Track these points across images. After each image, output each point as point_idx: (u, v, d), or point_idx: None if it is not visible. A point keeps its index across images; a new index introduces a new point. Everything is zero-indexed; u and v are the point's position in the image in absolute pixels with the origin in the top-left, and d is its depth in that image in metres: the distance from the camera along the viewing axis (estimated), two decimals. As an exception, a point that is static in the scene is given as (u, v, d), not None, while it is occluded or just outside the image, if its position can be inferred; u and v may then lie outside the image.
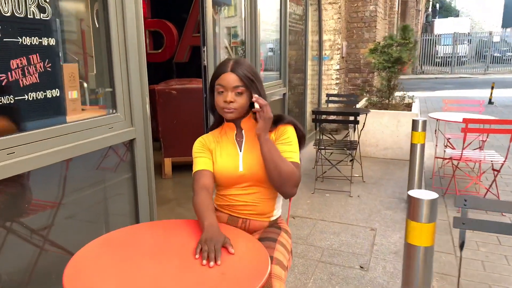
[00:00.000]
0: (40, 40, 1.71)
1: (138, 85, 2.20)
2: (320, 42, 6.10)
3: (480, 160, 3.52)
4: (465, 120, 3.26)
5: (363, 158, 4.95)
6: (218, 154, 1.63)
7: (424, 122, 3.38)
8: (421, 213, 1.64)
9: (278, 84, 4.73)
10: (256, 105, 1.47)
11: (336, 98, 5.59)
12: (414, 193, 1.68)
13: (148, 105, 2.32)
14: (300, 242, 2.91)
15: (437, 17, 35.86)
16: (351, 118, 4.09)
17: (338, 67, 6.30)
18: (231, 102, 1.53)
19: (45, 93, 1.75)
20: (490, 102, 10.08)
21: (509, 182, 4.19)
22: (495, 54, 23.70)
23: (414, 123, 3.40)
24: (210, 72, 3.13)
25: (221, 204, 1.67)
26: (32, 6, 1.66)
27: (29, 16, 1.65)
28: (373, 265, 2.59)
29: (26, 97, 1.66)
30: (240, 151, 1.61)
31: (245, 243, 1.37)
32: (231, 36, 4.12)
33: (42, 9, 1.70)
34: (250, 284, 1.10)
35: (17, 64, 1.62)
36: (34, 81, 1.70)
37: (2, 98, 1.56)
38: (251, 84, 1.54)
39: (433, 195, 1.65)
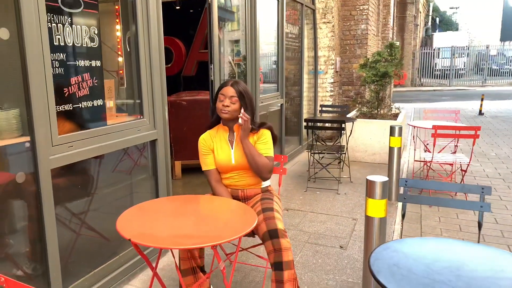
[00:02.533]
0: (90, 62, 2.29)
1: (159, 96, 2.77)
2: (315, 58, 6.69)
3: (449, 162, 4.05)
4: (434, 127, 3.80)
5: (354, 163, 5.49)
6: (216, 151, 2.27)
7: (400, 128, 3.92)
8: (376, 192, 2.18)
9: (276, 96, 5.31)
10: (240, 120, 2.14)
11: (329, 109, 6.15)
12: (371, 177, 2.23)
13: (167, 112, 2.89)
14: (291, 228, 3.44)
15: (437, 31, 36.54)
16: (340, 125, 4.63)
17: (332, 80, 6.87)
18: (227, 106, 2.19)
19: (92, 102, 2.32)
20: (480, 113, 10.60)
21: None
22: (493, 67, 24.25)
23: (392, 129, 3.95)
24: (216, 85, 3.70)
25: (225, 183, 2.28)
26: (86, 37, 2.24)
27: (84, 45, 2.23)
28: (351, 245, 3.11)
29: (80, 105, 2.24)
30: (232, 149, 2.26)
31: (241, 209, 1.92)
32: (234, 54, 4.71)
33: (92, 39, 2.28)
34: (243, 228, 1.65)
35: (75, 81, 2.20)
36: (85, 93, 2.27)
37: (64, 105, 2.13)
38: (242, 97, 2.21)
39: (384, 178, 2.19)
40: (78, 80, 2.21)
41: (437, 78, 23.85)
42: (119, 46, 2.69)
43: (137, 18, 2.58)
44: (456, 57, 23.54)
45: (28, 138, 1.92)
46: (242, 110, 2.17)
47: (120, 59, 2.73)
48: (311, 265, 2.81)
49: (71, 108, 2.17)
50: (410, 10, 22.36)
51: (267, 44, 5.22)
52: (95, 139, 2.29)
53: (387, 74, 5.78)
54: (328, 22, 6.59)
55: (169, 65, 7.60)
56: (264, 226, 1.98)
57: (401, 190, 2.33)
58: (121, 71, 2.76)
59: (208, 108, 3.84)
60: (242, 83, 2.28)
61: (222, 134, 2.30)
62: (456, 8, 44.73)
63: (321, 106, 6.08)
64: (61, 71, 2.10)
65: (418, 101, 15.62)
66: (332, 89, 6.89)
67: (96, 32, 2.29)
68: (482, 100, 10.64)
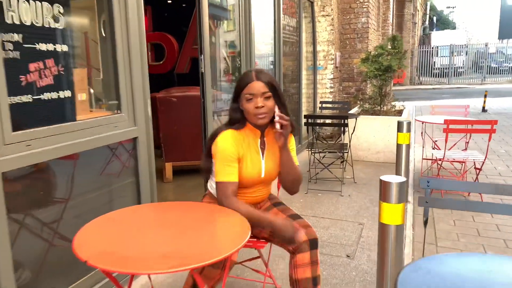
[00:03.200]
0: (55, 46, 1.95)
1: (140, 89, 2.43)
2: (314, 53, 6.36)
3: (462, 160, 3.73)
4: (446, 121, 3.48)
5: (356, 162, 5.16)
6: (245, 161, 1.78)
7: (409, 123, 3.58)
8: (391, 195, 1.84)
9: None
10: (277, 125, 1.69)
11: (329, 105, 5.83)
12: (385, 177, 1.89)
13: (149, 107, 2.55)
14: (292, 235, 3.09)
15: (434, 29, 36.36)
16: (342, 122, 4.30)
17: (332, 76, 6.55)
18: (262, 106, 1.70)
19: (58, 94, 1.98)
20: (483, 110, 10.31)
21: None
22: (492, 65, 24.03)
23: (399, 124, 3.60)
24: (207, 79, 3.37)
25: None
26: (48, 17, 1.90)
27: (46, 25, 1.89)
28: (359, 254, 2.78)
29: (42, 96, 1.89)
30: (263, 159, 1.83)
31: (230, 216, 1.58)
32: (228, 47, 4.38)
33: (56, 19, 1.94)
34: (233, 244, 1.31)
35: (35, 67, 1.86)
36: (49, 83, 1.93)
37: (22, 97, 1.79)
38: (275, 91, 1.74)
39: (402, 179, 1.86)
40: (39, 67, 1.87)
41: (436, 76, 23.62)
42: (92, 30, 2.35)
43: (112, -3, 2.24)
44: (455, 56, 23.32)
45: (-29, 135, 1.59)
46: (277, 110, 1.72)
47: (90, 44, 2.38)
48: (315, 278, 2.48)
49: (30, 100, 1.83)
50: (408, 8, 22.12)
51: (263, 37, 4.89)
52: (61, 137, 1.95)
53: (391, 67, 5.45)
54: (327, 15, 6.26)
55: (162, 62, 7.28)
56: (303, 235, 1.76)
57: (409, 191, 1.99)
58: (96, 60, 2.42)
59: (199, 104, 3.50)
60: (266, 71, 1.80)
61: (253, 140, 1.82)
62: (453, 7, 44.67)
63: (321, 102, 5.75)
64: (16, 55, 1.76)
65: (418, 99, 15.31)
66: (332, 85, 6.56)
67: (61, 11, 1.96)
68: (485, 96, 10.35)
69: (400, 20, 21.91)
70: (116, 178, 2.51)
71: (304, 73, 6.19)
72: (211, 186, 1.92)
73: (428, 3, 33.95)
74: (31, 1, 1.80)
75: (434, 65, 24.02)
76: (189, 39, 6.95)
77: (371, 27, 7.04)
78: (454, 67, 23.26)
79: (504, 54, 25.08)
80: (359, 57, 6.59)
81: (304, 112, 6.23)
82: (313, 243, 1.78)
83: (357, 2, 6.66)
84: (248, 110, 1.73)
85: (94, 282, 2.17)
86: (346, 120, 3.95)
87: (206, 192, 2.01)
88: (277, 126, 1.69)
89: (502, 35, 31.03)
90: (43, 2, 1.86)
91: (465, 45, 25.64)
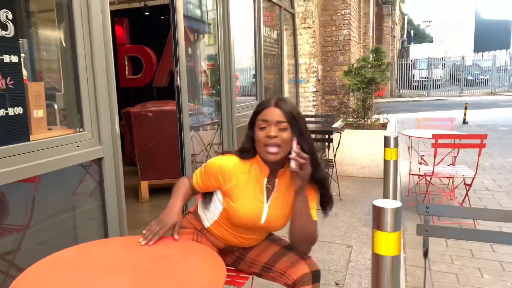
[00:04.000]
0: (1, 57, 1.70)
1: (106, 103, 2.19)
2: (296, 66, 6.23)
3: (452, 175, 3.59)
4: (435, 136, 3.34)
5: (342, 177, 4.98)
6: (239, 194, 1.52)
7: (396, 138, 3.43)
8: (386, 222, 1.65)
9: (254, 105, 4.78)
10: (292, 163, 1.39)
11: (312, 119, 5.67)
12: (379, 202, 1.69)
13: (118, 125, 2.31)
14: (275, 261, 2.87)
15: (412, 43, 37.18)
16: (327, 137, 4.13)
17: (314, 89, 6.41)
18: (275, 137, 1.43)
19: (7, 111, 1.73)
20: (464, 122, 10.36)
21: (482, 196, 4.27)
22: (469, 77, 24.60)
23: (386, 139, 3.45)
24: (184, 92, 3.16)
25: (220, 237, 1.66)
26: (-6, 23, 1.66)
27: (-9, 33, 1.64)
28: (348, 281, 2.57)
29: (-13, 114, 1.64)
30: (267, 202, 1.54)
31: (203, 255, 1.35)
32: (207, 59, 4.18)
33: (4, 27, 1.70)
34: (207, 293, 1.08)
35: (-23, 81, 1.61)
36: (-5, 98, 1.68)
37: (-40, 114, 1.53)
38: (295, 122, 1.45)
39: (397, 203, 1.66)
40: (-18, 81, 1.63)
41: (415, 89, 24.03)
42: (50, 39, 2.11)
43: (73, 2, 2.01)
44: (433, 68, 23.78)
45: None
46: (295, 145, 1.41)
47: (55, 56, 2.14)
48: (301, 311, 2.25)
49: (-30, 118, 1.58)
50: (387, 22, 22.52)
51: (244, 50, 4.72)
52: (12, 160, 1.69)
53: (374, 80, 5.35)
54: (308, 27, 6.16)
55: (139, 75, 7.04)
56: (305, 267, 1.56)
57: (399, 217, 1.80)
58: (55, 72, 2.17)
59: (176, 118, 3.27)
60: (289, 100, 1.54)
61: (258, 175, 1.53)
62: (429, 21, 45.90)
63: (304, 116, 5.59)
64: (-47, 67, 1.52)
65: (400, 111, 15.41)
66: (314, 98, 6.42)
67: (10, 17, 1.72)
68: (466, 108, 10.42)
69: (379, 34, 22.25)
70: (79, 203, 2.25)
71: (286, 86, 6.04)
72: (203, 211, 1.71)
73: (406, 17, 34.75)
74: (-28, 5, 1.57)
75: (413, 78, 24.44)
76: (167, 52, 6.74)
77: (353, 39, 6.97)
78: (433, 80, 23.70)
79: (479, 66, 25.73)
80: (341, 69, 6.50)
81: (286, 126, 6.06)
82: (315, 276, 1.57)
83: (339, 14, 6.59)
84: (258, 139, 1.47)
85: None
86: (330, 135, 3.77)
87: (191, 210, 1.78)
88: (292, 164, 1.39)
89: (477, 48, 31.92)
90: (-12, 7, 1.62)
91: (442, 58, 26.19)
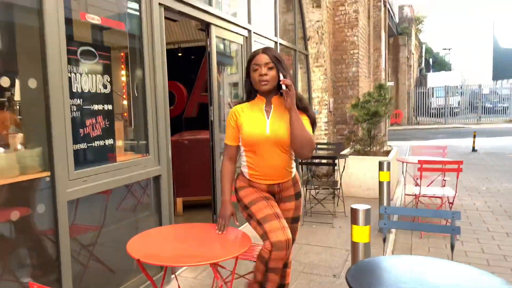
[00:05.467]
0: (103, 106, 2.58)
1: (164, 135, 3.05)
2: (309, 99, 7.05)
3: (438, 196, 4.27)
4: (420, 162, 4.06)
5: (349, 198, 5.68)
6: (245, 121, 2.10)
7: (388, 163, 4.18)
8: (359, 219, 2.40)
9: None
10: (283, 87, 1.94)
11: (324, 146, 6.44)
12: (355, 206, 2.45)
13: (170, 150, 3.16)
14: (287, 260, 3.60)
15: (431, 71, 37.72)
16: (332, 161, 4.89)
17: (326, 120, 7.21)
18: (265, 75, 2.02)
19: (104, 142, 2.60)
20: (473, 150, 10.87)
21: (470, 215, 4.89)
22: (487, 105, 24.81)
23: (380, 164, 4.20)
24: (216, 125, 3.99)
25: (256, 175, 2.17)
26: (100, 84, 2.55)
27: (98, 91, 2.53)
28: (343, 274, 3.27)
29: (93, 144, 2.50)
30: (268, 119, 2.09)
31: (236, 234, 2.15)
32: (232, 96, 5.05)
33: (105, 86, 2.59)
34: (239, 250, 1.87)
35: (89, 123, 2.48)
36: (98, 134, 2.55)
37: (80, 144, 2.40)
38: (278, 62, 2.04)
39: (367, 206, 2.42)
40: (92, 122, 2.50)
41: (433, 116, 24.31)
42: (126, 91, 3.00)
43: (144, 64, 2.90)
44: (450, 96, 24.15)
45: (48, 173, 2.17)
46: (281, 76, 2.00)
47: (126, 102, 3.03)
48: (305, 292, 2.97)
49: (85, 147, 2.44)
50: (402, 52, 23.29)
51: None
52: (106, 175, 2.54)
53: (378, 113, 6.10)
54: (320, 66, 7.02)
55: (172, 107, 7.96)
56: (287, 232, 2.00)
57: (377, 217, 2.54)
58: (125, 114, 3.06)
59: (208, 146, 4.10)
60: (273, 49, 2.15)
61: (258, 105, 2.14)
62: (449, 49, 46.43)
63: (316, 144, 6.37)
64: (78, 114, 2.39)
65: (414, 139, 15.91)
66: (326, 128, 7.20)
67: (108, 80, 2.61)
68: (474, 137, 10.95)
69: (395, 64, 23.04)
70: (144, 208, 3.08)
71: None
72: (241, 167, 2.26)
73: (423, 46, 35.45)
74: (89, 75, 2.46)
75: (430, 105, 24.82)
76: (197, 87, 7.68)
77: (362, 75, 7.78)
78: (450, 107, 24.00)
79: (498, 94, 25.94)
80: (350, 102, 7.28)
81: (301, 152, 6.83)
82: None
83: (348, 53, 7.44)
84: (253, 79, 2.07)
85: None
86: (335, 160, 4.53)
87: (239, 173, 2.31)
88: (283, 87, 1.95)
89: (495, 76, 32.22)
90: (97, 75, 2.51)
91: (460, 86, 26.56)
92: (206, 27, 3.86)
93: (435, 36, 42.82)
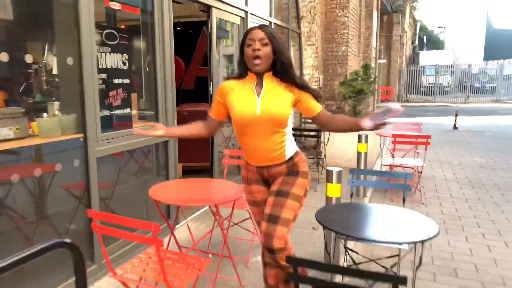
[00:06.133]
0: (122, 80, 3.06)
1: (171, 105, 3.55)
2: (301, 76, 7.54)
3: (407, 165, 4.86)
4: (394, 135, 4.61)
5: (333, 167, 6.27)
6: (235, 99, 1.95)
7: (366, 136, 4.73)
8: (332, 178, 2.96)
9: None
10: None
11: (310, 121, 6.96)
12: (330, 168, 3.01)
13: (176, 118, 3.66)
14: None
15: (424, 49, 37.96)
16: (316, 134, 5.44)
17: (316, 95, 7.71)
18: (258, 49, 1.86)
19: (123, 110, 3.09)
20: (455, 127, 11.49)
21: (438, 184, 5.51)
22: (476, 85, 25.30)
23: (359, 136, 4.75)
24: (214, 99, 4.48)
25: (247, 156, 2.11)
26: (120, 62, 3.02)
27: (118, 67, 3.01)
28: (321, 227, 3.87)
29: (116, 111, 3.00)
30: (258, 98, 1.94)
31: (230, 184, 2.70)
32: (229, 70, 5.51)
33: (124, 63, 3.06)
34: (236, 196, 2.42)
35: (112, 94, 2.97)
36: (119, 103, 3.04)
37: (105, 111, 2.89)
38: (274, 39, 1.90)
39: (338, 169, 2.97)
40: (114, 94, 2.99)
41: (423, 94, 24.70)
42: (140, 67, 3.47)
43: (155, 43, 3.37)
44: (441, 75, 24.56)
45: (82, 135, 2.68)
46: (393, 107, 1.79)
47: (140, 77, 3.51)
48: (288, 240, 3.57)
49: (109, 114, 2.94)
50: (396, 30, 23.55)
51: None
52: (125, 138, 3.05)
53: (363, 91, 6.62)
54: (312, 45, 7.46)
55: (170, 80, 8.39)
56: (268, 209, 1.98)
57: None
58: (139, 87, 3.55)
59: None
60: (270, 27, 2.04)
61: (249, 83, 1.99)
62: (444, 27, 46.49)
63: (304, 118, 6.90)
64: (103, 87, 2.88)
65: (403, 116, 16.49)
66: (316, 103, 7.71)
67: (126, 58, 3.08)
68: (456, 115, 11.56)
69: (388, 41, 23.34)
70: (155, 168, 3.62)
71: (292, 92, 7.34)
72: None
73: (418, 24, 35.58)
74: (111, 54, 2.93)
75: (421, 84, 25.21)
76: (194, 61, 8.10)
77: (351, 54, 8.24)
78: (440, 86, 24.46)
79: (487, 74, 26.40)
80: (339, 80, 7.78)
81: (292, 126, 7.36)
82: (272, 219, 2.00)
83: (338, 33, 7.87)
84: (246, 55, 1.91)
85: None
86: (319, 133, 5.07)
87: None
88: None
89: (487, 57, 32.68)
90: (117, 54, 2.98)
91: (451, 65, 26.96)
92: (207, 9, 4.29)
93: (430, 14, 42.83)
